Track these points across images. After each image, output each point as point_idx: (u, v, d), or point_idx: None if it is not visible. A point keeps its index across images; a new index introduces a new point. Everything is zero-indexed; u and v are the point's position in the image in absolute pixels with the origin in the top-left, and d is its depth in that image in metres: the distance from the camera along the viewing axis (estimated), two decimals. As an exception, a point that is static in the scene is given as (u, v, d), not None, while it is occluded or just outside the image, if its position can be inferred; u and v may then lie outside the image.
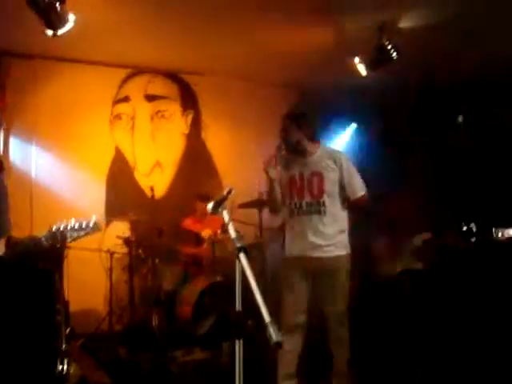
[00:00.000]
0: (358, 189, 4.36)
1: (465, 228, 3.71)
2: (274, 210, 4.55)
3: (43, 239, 3.46)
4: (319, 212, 4.30)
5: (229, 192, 2.88)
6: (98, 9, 5.57)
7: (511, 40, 6.35)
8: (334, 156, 4.37)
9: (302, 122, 4.36)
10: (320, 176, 4.31)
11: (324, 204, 4.30)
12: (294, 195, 4.35)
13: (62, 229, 3.45)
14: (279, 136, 4.40)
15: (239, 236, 2.67)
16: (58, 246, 3.55)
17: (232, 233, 2.69)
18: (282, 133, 4.38)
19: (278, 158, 4.30)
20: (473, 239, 4.19)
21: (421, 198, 6.47)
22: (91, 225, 3.54)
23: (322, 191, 4.30)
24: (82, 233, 3.52)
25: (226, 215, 2.80)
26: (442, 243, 5.86)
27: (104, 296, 6.65)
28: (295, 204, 4.33)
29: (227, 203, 2.87)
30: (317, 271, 4.29)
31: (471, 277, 5.38)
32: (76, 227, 3.47)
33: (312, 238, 4.27)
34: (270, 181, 4.32)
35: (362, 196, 4.36)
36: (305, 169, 4.34)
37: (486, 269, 5.34)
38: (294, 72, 7.63)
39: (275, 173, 4.33)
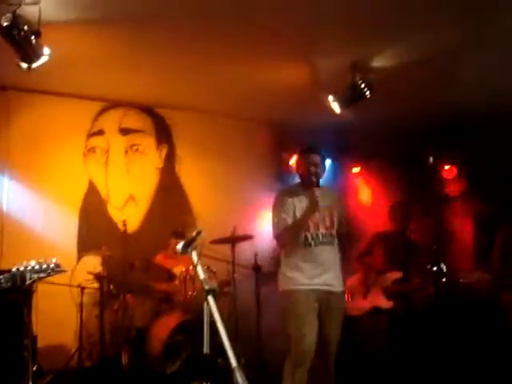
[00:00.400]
0: (345, 226, 4.68)
1: (435, 269, 3.74)
2: (289, 241, 4.52)
3: (2, 280, 3.39)
4: (332, 244, 4.53)
5: (198, 233, 2.87)
6: (73, 42, 5.54)
7: (484, 82, 6.47)
8: (333, 192, 4.79)
9: (324, 160, 4.65)
10: (330, 209, 4.55)
11: (334, 237, 4.55)
12: (311, 226, 4.45)
13: (21, 270, 3.39)
14: (306, 170, 4.54)
15: (209, 277, 2.65)
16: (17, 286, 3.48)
17: (200, 274, 2.68)
18: (312, 167, 4.51)
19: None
20: (443, 279, 4.24)
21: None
22: (52, 266, 3.50)
23: (333, 224, 4.55)
24: (42, 274, 3.46)
25: (194, 256, 2.79)
26: (408, 288, 5.99)
27: (74, 331, 6.47)
28: (311, 235, 4.44)
29: (197, 244, 2.86)
30: (327, 305, 4.41)
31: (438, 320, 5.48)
32: (36, 269, 3.41)
33: (328, 271, 4.43)
34: (311, 211, 4.38)
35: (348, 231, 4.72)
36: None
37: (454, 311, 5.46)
38: (269, 109, 7.68)
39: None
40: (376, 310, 6.10)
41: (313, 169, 4.52)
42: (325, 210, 4.51)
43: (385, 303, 6.05)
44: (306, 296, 4.37)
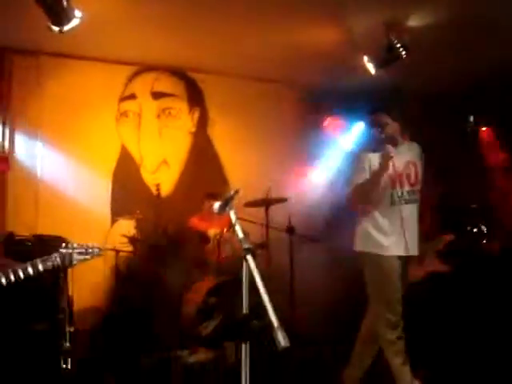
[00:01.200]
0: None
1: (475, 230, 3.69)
2: (365, 204, 4.35)
3: (54, 259, 3.50)
4: (417, 201, 4.34)
5: (236, 192, 2.82)
6: (104, 5, 5.53)
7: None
8: (417, 148, 4.49)
9: (395, 115, 4.36)
10: (415, 165, 4.37)
11: (418, 193, 4.35)
12: (396, 183, 4.29)
13: (69, 251, 3.51)
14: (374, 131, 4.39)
15: (246, 237, 2.63)
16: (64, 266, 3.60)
17: (239, 233, 2.64)
18: (379, 126, 4.35)
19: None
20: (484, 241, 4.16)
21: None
22: (96, 250, 3.59)
23: (417, 179, 4.35)
24: (88, 257, 3.57)
25: (232, 215, 2.75)
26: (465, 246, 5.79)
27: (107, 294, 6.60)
28: (397, 193, 4.27)
29: (234, 203, 2.83)
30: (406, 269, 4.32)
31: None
32: (82, 252, 3.52)
33: (411, 233, 4.26)
34: (383, 169, 4.16)
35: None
36: (399, 158, 4.29)
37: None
38: (303, 71, 7.56)
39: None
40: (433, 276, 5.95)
41: (377, 130, 4.37)
42: (409, 165, 4.37)
43: (441, 267, 5.92)
44: (392, 262, 4.24)
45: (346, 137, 8.26)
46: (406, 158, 4.34)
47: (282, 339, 2.21)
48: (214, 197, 6.26)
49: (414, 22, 5.96)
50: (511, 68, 6.86)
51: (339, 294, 6.67)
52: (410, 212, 4.29)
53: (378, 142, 4.31)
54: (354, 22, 6.00)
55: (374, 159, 4.23)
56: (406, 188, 4.29)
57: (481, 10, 5.61)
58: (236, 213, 2.78)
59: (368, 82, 6.82)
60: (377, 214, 4.30)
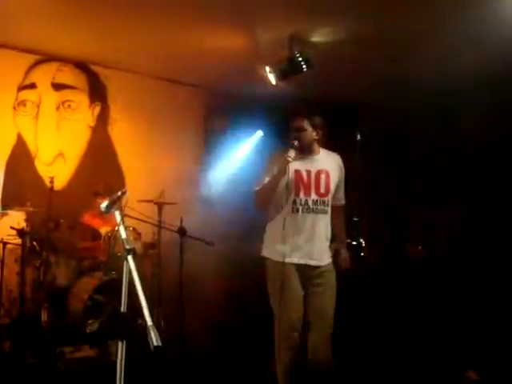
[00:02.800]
0: (343, 197, 4.48)
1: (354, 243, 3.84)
2: (266, 206, 4.28)
3: None
4: (324, 212, 4.24)
5: (123, 193, 2.87)
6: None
7: (423, 62, 6.62)
8: (336, 158, 4.41)
9: (316, 124, 4.29)
10: (327, 175, 4.28)
11: (328, 204, 4.26)
12: (301, 190, 4.20)
13: None
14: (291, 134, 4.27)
15: (131, 237, 2.67)
16: None
17: (122, 233, 2.69)
18: (296, 131, 4.25)
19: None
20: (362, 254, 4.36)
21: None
22: None
23: (328, 190, 4.26)
24: None
25: (118, 215, 2.79)
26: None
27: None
28: (300, 200, 4.19)
29: (120, 203, 2.87)
30: (310, 281, 4.21)
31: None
32: None
33: (313, 242, 4.18)
34: (280, 173, 4.10)
35: (342, 205, 4.50)
36: (311, 166, 4.25)
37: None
38: (206, 74, 7.66)
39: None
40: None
41: (295, 133, 4.25)
42: (320, 175, 4.26)
43: None
44: (289, 270, 4.15)
45: (245, 142, 8.40)
46: (318, 167, 4.27)
47: (154, 339, 2.26)
48: (103, 195, 6.24)
49: (317, 37, 6.14)
50: (407, 85, 7.21)
51: (229, 298, 6.80)
52: (314, 222, 4.20)
53: (289, 146, 4.20)
54: (259, 33, 6.11)
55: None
56: (313, 197, 4.21)
57: (380, 28, 5.85)
58: (122, 213, 2.83)
59: (270, 92, 6.99)
60: (279, 220, 4.22)
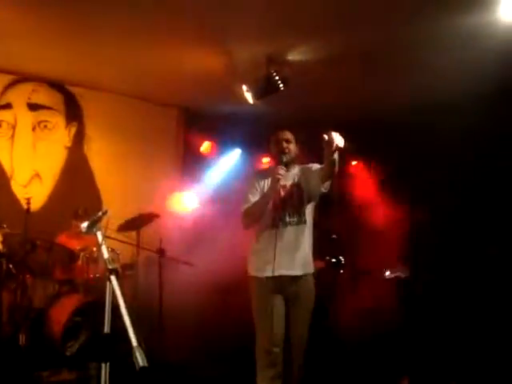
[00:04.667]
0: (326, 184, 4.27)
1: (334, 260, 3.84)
2: (254, 224, 4.27)
3: None
4: (302, 222, 4.25)
5: (104, 213, 2.85)
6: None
7: (399, 80, 6.72)
8: (306, 168, 4.39)
9: (298, 139, 4.36)
10: (299, 187, 4.30)
11: (305, 213, 4.26)
12: (278, 207, 4.20)
13: None
14: (276, 148, 4.30)
15: (112, 258, 2.65)
16: None
17: (105, 254, 2.67)
18: (284, 143, 4.28)
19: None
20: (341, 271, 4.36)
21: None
22: None
23: (302, 202, 4.26)
24: None
25: (99, 236, 2.77)
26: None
27: (-32, 310, 6.31)
28: (279, 216, 4.18)
29: (102, 224, 2.84)
30: (290, 292, 4.21)
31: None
32: None
33: (293, 254, 4.18)
34: (272, 190, 4.13)
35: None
36: (286, 181, 4.26)
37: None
38: (181, 93, 7.75)
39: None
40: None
41: (284, 144, 4.28)
42: (293, 188, 4.30)
43: None
44: (264, 284, 4.18)
45: (223, 160, 8.42)
46: (291, 180, 4.32)
47: (139, 359, 2.24)
48: (81, 216, 6.21)
49: (294, 55, 6.18)
50: (384, 103, 7.28)
51: (208, 317, 6.76)
52: (293, 234, 4.22)
53: (279, 163, 4.24)
54: (236, 52, 6.14)
55: (268, 183, 4.25)
56: (288, 211, 4.23)
57: (360, 49, 5.93)
58: (103, 233, 2.80)
59: (248, 109, 7.01)
60: (258, 237, 4.29)
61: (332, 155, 3.85)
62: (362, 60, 6.24)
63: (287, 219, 4.22)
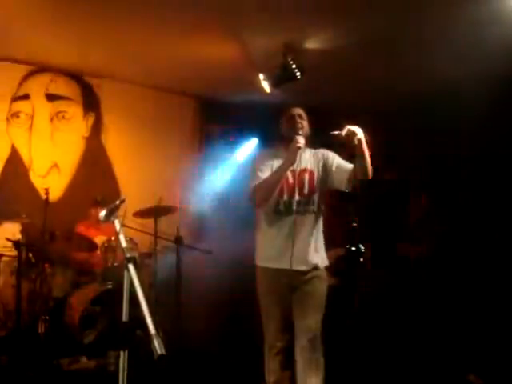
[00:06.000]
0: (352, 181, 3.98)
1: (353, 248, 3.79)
2: (267, 201, 3.99)
3: None
4: (310, 212, 4.03)
5: (122, 201, 2.85)
6: (2, 2, 5.41)
7: (417, 67, 6.65)
8: (320, 155, 4.14)
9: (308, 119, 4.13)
10: (311, 173, 4.07)
11: (314, 203, 4.04)
12: (284, 191, 4.00)
13: None
14: (289, 124, 4.07)
15: (129, 246, 2.66)
16: None
17: (123, 242, 2.68)
18: (297, 117, 4.06)
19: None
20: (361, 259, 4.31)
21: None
22: None
23: (312, 190, 4.04)
24: None
25: (117, 224, 2.78)
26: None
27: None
28: (284, 202, 3.99)
29: (120, 212, 2.85)
30: (297, 286, 4.03)
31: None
32: None
33: (299, 246, 3.97)
34: (289, 161, 3.88)
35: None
36: (296, 165, 3.98)
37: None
38: (198, 83, 7.72)
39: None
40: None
41: (298, 119, 4.05)
42: (303, 174, 4.06)
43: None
44: (272, 275, 4.03)
45: (240, 149, 8.41)
46: (302, 166, 4.05)
47: (157, 347, 2.24)
48: (100, 204, 6.25)
49: (311, 44, 6.15)
50: (405, 92, 7.22)
51: (226, 304, 6.78)
52: (298, 224, 3.97)
53: (293, 133, 4.00)
54: (253, 40, 6.11)
55: (277, 163, 3.98)
56: (296, 198, 3.99)
57: (377, 37, 5.85)
58: (121, 222, 2.81)
59: (265, 98, 6.99)
60: (264, 225, 4.10)
61: (359, 150, 3.71)
62: (378, 47, 6.17)
63: (294, 207, 4.00)
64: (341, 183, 3.97)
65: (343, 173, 3.96)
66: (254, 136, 8.42)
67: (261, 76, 6.43)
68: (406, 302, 6.30)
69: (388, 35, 5.84)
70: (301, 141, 3.87)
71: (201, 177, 8.07)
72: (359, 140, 3.70)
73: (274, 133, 6.86)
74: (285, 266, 3.96)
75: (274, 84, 6.38)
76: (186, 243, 6.30)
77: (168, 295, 6.25)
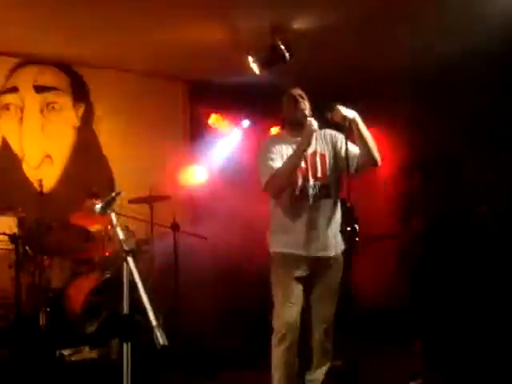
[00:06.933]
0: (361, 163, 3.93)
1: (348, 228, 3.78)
2: (284, 190, 3.91)
3: None
4: (326, 196, 3.95)
5: (117, 194, 2.86)
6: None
7: (403, 45, 6.63)
8: (329, 136, 4.05)
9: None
10: (322, 156, 3.98)
11: (329, 187, 3.97)
12: (299, 178, 3.91)
13: None
14: (291, 105, 3.98)
15: (127, 238, 2.67)
16: None
17: (120, 235, 2.69)
18: (299, 98, 3.97)
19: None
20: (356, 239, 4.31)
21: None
22: None
23: (325, 173, 3.96)
24: None
25: (113, 217, 2.79)
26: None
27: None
28: (299, 188, 3.90)
29: (115, 204, 2.87)
30: (317, 273, 3.99)
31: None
32: None
33: (320, 232, 3.92)
34: (304, 145, 3.81)
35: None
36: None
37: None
38: (187, 67, 7.68)
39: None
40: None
41: (300, 99, 3.95)
42: (315, 157, 3.97)
43: None
44: (290, 261, 3.94)
45: (231, 134, 8.39)
46: (312, 149, 3.95)
47: (160, 338, 2.27)
48: (95, 195, 6.24)
49: (299, 24, 6.12)
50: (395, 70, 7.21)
51: (223, 290, 6.83)
52: (315, 208, 3.93)
53: (296, 124, 3.94)
54: (240, 22, 6.06)
55: (286, 148, 3.93)
56: (311, 183, 3.92)
57: (366, 12, 5.81)
58: (119, 212, 2.83)
59: (255, 80, 6.97)
60: (279, 212, 4.00)
61: (357, 135, 3.68)
62: (366, 25, 6.14)
63: (310, 191, 3.92)
64: (350, 169, 3.81)
65: (351, 158, 3.82)
66: (245, 118, 8.39)
67: (250, 58, 6.39)
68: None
69: (377, 13, 5.83)
70: (314, 123, 3.79)
71: (194, 161, 8.08)
72: (352, 122, 3.66)
73: (265, 115, 6.86)
74: (304, 252, 3.92)
75: (263, 66, 6.36)
76: (181, 229, 6.32)
77: (166, 282, 6.29)
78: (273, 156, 3.89)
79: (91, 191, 6.40)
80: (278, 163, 3.86)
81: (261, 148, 4.05)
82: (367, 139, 3.79)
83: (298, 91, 4.03)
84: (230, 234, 6.66)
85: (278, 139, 4.08)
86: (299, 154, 3.83)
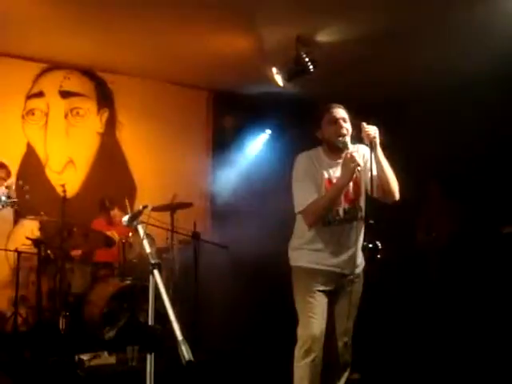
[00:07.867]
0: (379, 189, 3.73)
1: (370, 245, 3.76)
2: (319, 222, 3.79)
3: None
4: (356, 218, 3.82)
5: (144, 207, 2.90)
6: (14, 1, 5.45)
7: (426, 60, 6.64)
8: (361, 152, 3.80)
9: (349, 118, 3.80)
10: (356, 178, 3.78)
11: (360, 209, 3.84)
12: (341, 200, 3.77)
13: None
14: (332, 128, 3.73)
15: (153, 247, 2.70)
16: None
17: (147, 248, 2.72)
18: (341, 121, 3.73)
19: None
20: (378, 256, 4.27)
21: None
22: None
23: (359, 194, 3.83)
24: None
25: (140, 230, 2.82)
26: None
27: (9, 296, 6.46)
28: (331, 214, 3.77)
29: (142, 217, 2.90)
30: (342, 290, 3.95)
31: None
32: None
33: (348, 252, 3.85)
34: (347, 180, 3.67)
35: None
36: (335, 170, 3.79)
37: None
38: (211, 76, 7.74)
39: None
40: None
41: (342, 123, 3.71)
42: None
43: None
44: (317, 276, 3.86)
45: (254, 143, 8.42)
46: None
47: (185, 353, 2.25)
48: (110, 209, 6.34)
49: (324, 37, 6.14)
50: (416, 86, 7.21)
51: (242, 301, 6.80)
52: (347, 231, 3.84)
53: (334, 146, 3.75)
54: (265, 33, 6.11)
55: (322, 169, 3.77)
56: (343, 206, 3.81)
57: (389, 26, 5.85)
58: (144, 228, 2.86)
59: (278, 92, 7.00)
60: (309, 234, 3.88)
61: (375, 156, 3.57)
62: (390, 39, 6.16)
63: (342, 215, 3.81)
64: (373, 192, 3.66)
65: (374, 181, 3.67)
66: (267, 127, 8.41)
67: (274, 70, 6.43)
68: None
69: (400, 29, 5.85)
70: (357, 157, 3.58)
71: (216, 170, 8.10)
72: (372, 141, 3.57)
73: (287, 125, 6.84)
74: (331, 269, 3.87)
75: (287, 78, 6.39)
76: (202, 238, 6.34)
77: (186, 290, 6.30)
78: (309, 180, 3.76)
79: (103, 204, 6.48)
80: (313, 188, 3.73)
81: (296, 163, 3.88)
82: (384, 167, 3.69)
83: (340, 113, 3.78)
84: (251, 243, 6.64)
85: (314, 158, 3.87)
86: (339, 192, 3.72)
